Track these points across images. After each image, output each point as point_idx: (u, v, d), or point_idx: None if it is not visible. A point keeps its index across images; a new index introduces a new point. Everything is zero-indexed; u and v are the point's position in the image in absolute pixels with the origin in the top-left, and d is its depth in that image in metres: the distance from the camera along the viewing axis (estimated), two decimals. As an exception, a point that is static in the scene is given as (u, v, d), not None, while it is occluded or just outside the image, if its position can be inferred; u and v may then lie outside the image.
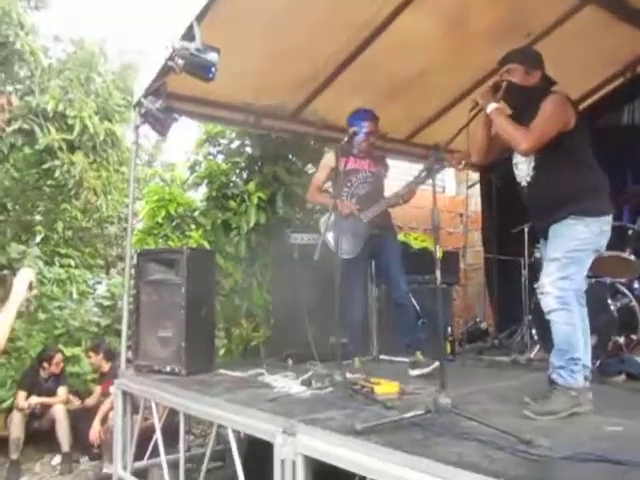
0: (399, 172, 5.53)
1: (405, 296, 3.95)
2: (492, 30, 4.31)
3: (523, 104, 2.85)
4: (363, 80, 4.67)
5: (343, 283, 4.03)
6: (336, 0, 3.78)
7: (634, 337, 4.03)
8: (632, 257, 4.18)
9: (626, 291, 4.19)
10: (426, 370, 3.55)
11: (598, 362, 3.60)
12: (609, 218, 2.77)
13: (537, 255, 4.56)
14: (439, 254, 2.68)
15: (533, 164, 2.81)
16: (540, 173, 2.80)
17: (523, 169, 2.87)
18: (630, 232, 4.28)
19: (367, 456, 2.06)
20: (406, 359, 4.09)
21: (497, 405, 2.79)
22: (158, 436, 3.56)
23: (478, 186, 6.70)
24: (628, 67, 5.32)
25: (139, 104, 4.12)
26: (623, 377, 3.45)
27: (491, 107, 2.82)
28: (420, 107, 5.25)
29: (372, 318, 4.68)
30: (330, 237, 3.92)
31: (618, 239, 4.25)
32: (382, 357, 4.37)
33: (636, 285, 4.37)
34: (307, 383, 3.26)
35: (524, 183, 2.89)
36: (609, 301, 4.02)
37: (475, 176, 6.78)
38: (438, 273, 2.48)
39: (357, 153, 4.13)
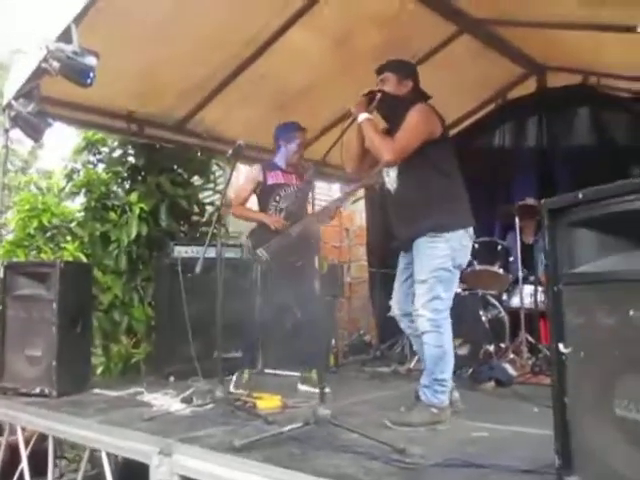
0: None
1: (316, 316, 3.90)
2: (377, 51, 4.47)
3: (393, 114, 2.88)
4: (252, 92, 4.67)
5: (252, 295, 4.02)
6: (225, 11, 3.74)
7: (503, 345, 4.32)
8: (501, 271, 4.48)
9: (496, 303, 4.48)
10: (315, 390, 3.55)
11: (470, 370, 3.81)
12: (469, 231, 2.84)
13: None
14: (320, 266, 2.72)
15: (397, 171, 2.86)
16: (403, 181, 2.84)
17: (392, 176, 2.91)
18: (499, 247, 4.58)
19: (245, 473, 2.03)
20: (291, 373, 4.11)
21: (376, 415, 2.84)
22: (24, 464, 3.30)
23: (363, 202, 6.90)
24: (499, 93, 5.73)
25: (9, 106, 3.85)
26: (492, 384, 3.65)
27: (362, 117, 2.84)
28: (308, 122, 5.31)
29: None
30: (262, 251, 3.88)
31: (489, 254, 4.56)
32: (267, 371, 4.33)
33: (505, 297, 4.69)
34: (188, 400, 3.17)
35: (392, 190, 2.93)
36: (481, 312, 4.27)
37: (361, 192, 6.98)
38: (317, 284, 2.51)
39: (285, 168, 4.12)
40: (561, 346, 1.61)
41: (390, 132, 2.87)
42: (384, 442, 2.14)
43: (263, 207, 4.09)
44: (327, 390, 3.55)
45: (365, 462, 1.99)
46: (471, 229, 2.87)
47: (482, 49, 4.82)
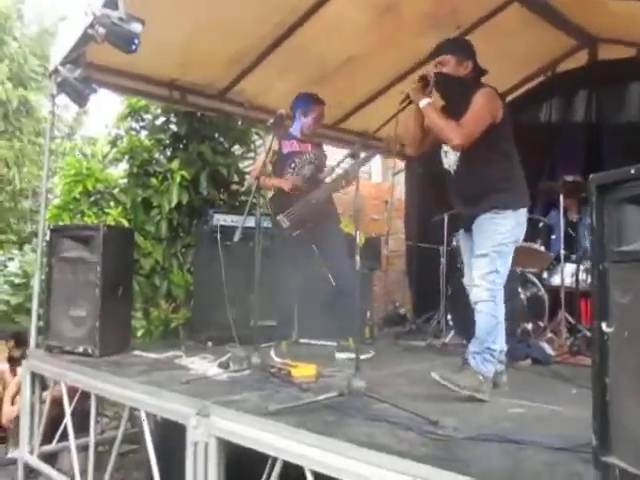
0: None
1: (350, 284, 3.93)
2: (422, 20, 4.39)
3: (455, 95, 2.89)
4: (292, 63, 4.65)
5: (284, 263, 4.08)
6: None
7: (541, 324, 4.26)
8: (542, 248, 4.40)
9: (536, 281, 4.41)
10: (353, 355, 3.58)
11: (507, 347, 3.77)
12: (525, 211, 2.89)
13: (454, 244, 4.71)
14: (359, 240, 2.70)
15: (459, 153, 2.87)
16: (466, 162, 2.87)
17: (451, 157, 2.93)
18: (541, 225, 4.49)
19: (279, 437, 2.07)
20: (326, 342, 4.15)
21: (409, 387, 2.87)
22: (68, 419, 3.44)
23: (403, 174, 6.83)
24: (549, 66, 5.56)
25: (56, 72, 3.91)
26: (529, 362, 3.62)
27: (423, 102, 2.85)
28: (349, 93, 5.28)
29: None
30: (283, 218, 3.96)
31: (530, 231, 4.42)
32: (302, 340, 4.38)
33: (545, 275, 4.60)
34: (224, 365, 3.23)
35: (451, 171, 2.96)
36: (519, 290, 4.21)
37: (401, 164, 6.91)
38: (357, 258, 2.50)
39: (301, 137, 4.12)
40: (604, 325, 1.58)
41: (449, 112, 2.86)
42: (418, 414, 2.14)
43: (279, 175, 4.10)
44: (369, 355, 3.62)
45: (398, 432, 2.00)
46: (526, 209, 2.91)
47: (532, 19, 4.66)
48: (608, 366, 1.57)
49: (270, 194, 4.21)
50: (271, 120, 3.26)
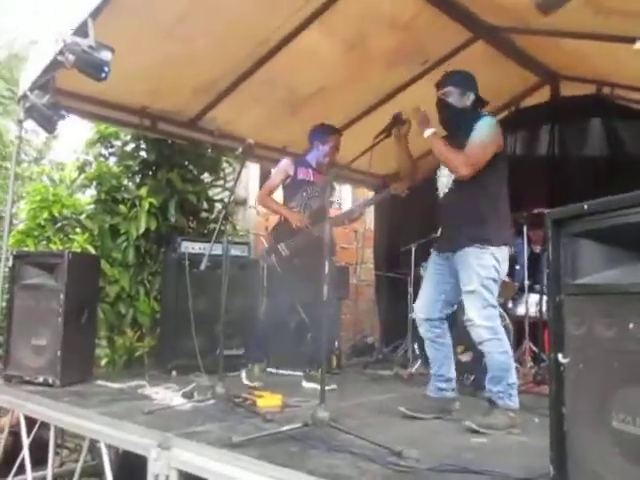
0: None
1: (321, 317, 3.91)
2: (389, 56, 4.50)
3: (457, 125, 2.94)
4: (263, 93, 4.70)
5: (268, 291, 4.08)
6: (239, 12, 3.76)
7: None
8: (507, 278, 4.46)
9: (501, 310, 4.45)
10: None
11: (472, 377, 3.81)
12: (507, 248, 2.89)
13: (422, 273, 4.75)
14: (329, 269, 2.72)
15: (453, 177, 2.90)
16: (457, 189, 2.90)
17: (444, 181, 2.97)
18: (506, 255, 4.56)
19: (241, 470, 2.04)
20: (293, 372, 4.13)
21: (374, 418, 2.87)
22: (25, 451, 3.34)
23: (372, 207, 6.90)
24: (512, 101, 5.71)
25: (24, 97, 3.89)
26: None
27: (428, 132, 2.91)
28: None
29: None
30: (283, 246, 4.00)
31: (495, 261, 4.54)
32: (269, 369, 4.35)
33: (510, 305, 4.67)
34: (188, 395, 3.19)
35: (441, 193, 2.99)
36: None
37: (370, 194, 6.99)
38: (325, 288, 2.52)
39: (316, 167, 4.17)
40: (560, 356, 1.61)
41: (450, 140, 2.91)
42: (381, 445, 2.14)
43: (288, 199, 4.16)
44: (334, 387, 3.62)
45: (361, 463, 2.00)
46: (508, 245, 2.92)
47: (496, 56, 4.80)
48: (564, 396, 1.60)
49: (240, 221, 4.24)
50: (240, 149, 3.28)
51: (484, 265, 2.76)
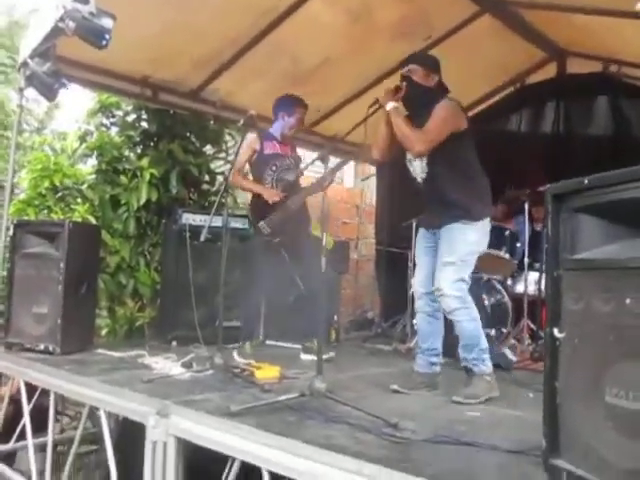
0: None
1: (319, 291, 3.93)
2: (394, 27, 4.44)
3: (419, 103, 2.97)
4: (267, 64, 4.65)
5: (256, 266, 4.09)
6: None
7: (504, 330, 4.33)
8: (507, 256, 4.47)
9: (500, 288, 4.48)
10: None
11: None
12: (489, 220, 3.00)
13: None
14: (327, 243, 2.72)
15: (426, 161, 2.96)
16: (433, 170, 2.96)
17: (417, 165, 3.01)
18: (507, 233, 4.56)
19: (238, 438, 2.07)
20: (292, 345, 4.16)
21: (371, 390, 2.90)
22: (26, 418, 3.38)
23: (374, 179, 6.88)
24: (518, 77, 5.65)
25: (25, 65, 3.84)
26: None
27: (390, 106, 2.93)
28: (323, 97, 5.29)
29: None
30: (264, 225, 3.98)
31: (496, 238, 4.53)
32: (268, 342, 4.38)
33: (509, 282, 4.68)
34: (187, 365, 3.22)
35: (419, 180, 3.04)
36: (484, 296, 4.27)
37: (372, 170, 6.97)
38: (323, 260, 2.52)
39: (281, 139, 4.14)
40: (556, 331, 1.62)
41: (412, 120, 2.94)
42: (377, 416, 2.16)
43: (258, 176, 4.13)
44: (332, 354, 3.65)
45: (358, 434, 2.03)
46: (489, 217, 3.02)
47: (503, 31, 4.75)
48: (558, 371, 1.61)
49: (241, 194, 4.23)
50: (242, 121, 3.26)
51: (467, 241, 2.87)
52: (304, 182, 4.32)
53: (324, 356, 3.39)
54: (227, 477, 2.17)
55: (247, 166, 4.19)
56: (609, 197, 1.52)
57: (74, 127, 5.26)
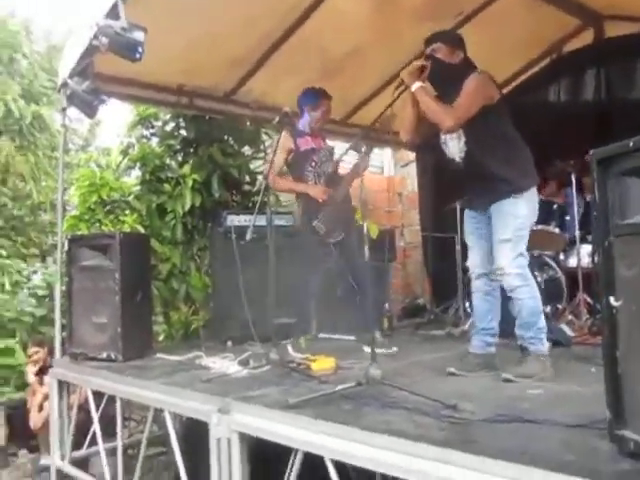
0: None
1: (367, 281, 3.88)
2: (422, 9, 4.37)
3: (447, 81, 2.93)
4: (297, 61, 4.66)
5: (304, 261, 4.12)
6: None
7: (559, 306, 4.24)
8: (557, 230, 4.37)
9: (552, 263, 4.39)
10: (382, 350, 3.57)
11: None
12: (535, 189, 2.95)
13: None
14: (369, 231, 2.73)
15: (464, 139, 2.91)
16: (472, 147, 2.91)
17: (454, 145, 2.97)
18: (555, 207, 4.46)
19: (298, 429, 2.10)
20: (344, 336, 4.17)
21: (428, 376, 2.89)
22: (96, 424, 3.51)
23: (414, 166, 6.83)
24: (553, 48, 5.49)
25: (65, 85, 3.98)
26: (549, 344, 3.60)
27: (416, 85, 2.89)
28: (355, 88, 5.28)
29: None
30: (319, 224, 3.97)
31: (544, 213, 4.43)
32: (321, 335, 4.40)
33: (562, 257, 4.57)
34: (244, 363, 3.27)
35: (458, 159, 2.98)
36: (536, 273, 4.18)
37: (411, 156, 6.91)
38: (366, 249, 2.53)
39: (311, 132, 4.15)
40: (612, 299, 1.59)
41: (442, 99, 2.90)
42: (435, 399, 2.16)
43: (298, 174, 4.12)
44: (395, 349, 3.64)
45: (416, 417, 2.02)
46: (536, 186, 2.97)
47: (533, 3, 4.62)
48: (618, 340, 1.58)
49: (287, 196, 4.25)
50: (277, 118, 3.28)
51: (518, 214, 2.82)
52: (341, 172, 4.31)
53: (388, 350, 3.42)
54: (291, 469, 2.20)
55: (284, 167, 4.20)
56: (657, 157, 1.47)
57: (117, 142, 5.44)
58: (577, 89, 5.41)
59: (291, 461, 2.23)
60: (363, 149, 2.85)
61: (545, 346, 2.80)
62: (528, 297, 2.80)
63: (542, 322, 2.83)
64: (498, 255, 2.83)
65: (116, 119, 6.47)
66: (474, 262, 3.05)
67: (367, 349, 3.69)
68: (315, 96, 4.13)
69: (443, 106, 2.84)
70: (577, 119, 5.21)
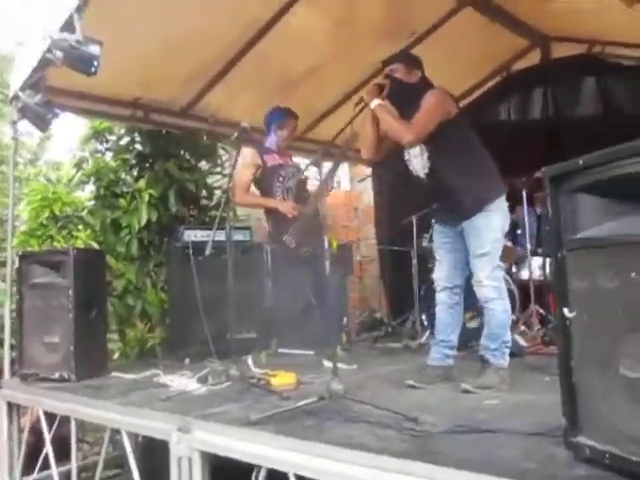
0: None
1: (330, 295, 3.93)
2: (378, 29, 4.48)
3: (405, 100, 3.00)
4: (255, 75, 4.68)
5: (263, 276, 4.12)
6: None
7: (513, 318, 4.33)
8: (509, 244, 4.49)
9: (505, 276, 4.49)
10: (344, 366, 3.57)
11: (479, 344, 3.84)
12: (504, 197, 2.98)
13: (425, 244, 4.79)
14: (330, 245, 2.76)
15: (427, 154, 2.96)
16: (435, 163, 2.96)
17: (417, 162, 3.02)
18: (507, 221, 4.58)
19: (260, 445, 2.09)
20: (305, 352, 4.17)
21: (387, 389, 2.91)
22: (48, 446, 3.40)
23: (370, 181, 6.91)
24: (503, 66, 5.70)
25: (16, 98, 3.88)
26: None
27: (375, 103, 2.96)
28: (312, 103, 5.33)
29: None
30: (289, 239, 3.99)
31: (497, 227, 4.57)
32: (281, 350, 4.39)
33: (514, 270, 4.70)
34: (204, 380, 3.23)
35: (422, 175, 3.03)
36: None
37: (367, 171, 7.00)
38: (327, 263, 2.55)
39: (278, 150, 4.20)
40: (566, 311, 1.65)
41: (402, 117, 2.97)
42: (396, 412, 2.18)
43: (266, 190, 4.14)
44: (354, 367, 3.65)
45: (378, 430, 2.04)
46: (504, 194, 3.01)
47: (484, 22, 4.78)
48: (572, 350, 1.64)
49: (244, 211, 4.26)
50: (235, 134, 3.28)
51: (492, 227, 2.87)
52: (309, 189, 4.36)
53: (348, 366, 3.43)
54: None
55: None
56: (605, 175, 1.54)
57: (68, 156, 5.32)
58: (526, 107, 5.61)
59: (253, 478, 2.22)
60: (330, 166, 2.89)
61: (506, 361, 2.86)
62: (501, 310, 2.86)
63: (508, 336, 2.88)
64: (476, 269, 2.87)
65: (67, 133, 6.35)
66: (440, 275, 3.09)
67: (327, 363, 3.71)
68: (282, 115, 4.20)
69: (402, 122, 2.92)
70: (527, 136, 5.40)
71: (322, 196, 4.12)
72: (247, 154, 4.04)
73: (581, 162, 1.59)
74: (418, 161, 3.01)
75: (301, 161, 5.20)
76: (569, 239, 1.66)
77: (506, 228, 3.01)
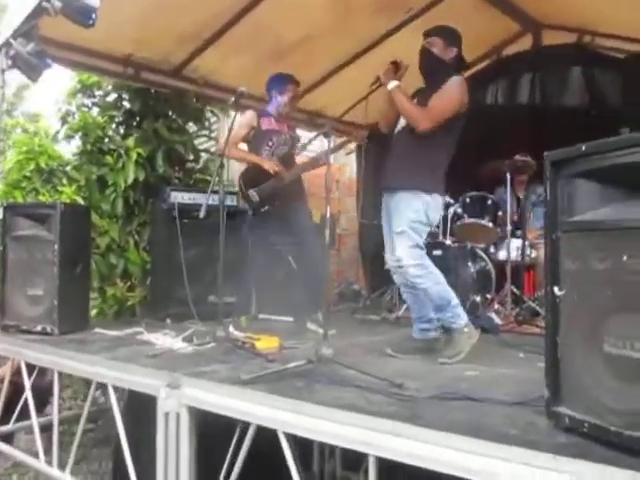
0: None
1: (317, 261, 3.99)
2: (375, 3, 4.49)
3: (434, 76, 3.04)
4: (248, 41, 4.65)
5: (247, 242, 4.17)
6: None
7: (489, 296, 4.49)
8: (490, 224, 4.60)
9: (484, 255, 4.63)
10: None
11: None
12: (439, 197, 3.04)
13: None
14: (318, 217, 2.81)
15: (405, 123, 3.04)
16: (402, 133, 3.06)
17: (401, 122, 3.11)
18: (489, 202, 4.69)
19: (253, 404, 2.16)
20: (284, 318, 4.25)
21: (369, 356, 3.01)
22: (29, 397, 3.42)
23: (353, 155, 6.93)
24: (494, 50, 5.75)
25: (7, 45, 3.78)
26: (478, 331, 3.82)
27: (392, 85, 3.01)
28: (304, 72, 5.29)
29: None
30: (253, 192, 4.09)
31: (479, 208, 4.68)
32: (261, 316, 4.46)
33: (492, 250, 4.83)
34: (189, 340, 3.29)
35: (399, 128, 3.11)
36: (469, 264, 4.42)
37: (351, 145, 7.01)
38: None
39: (277, 116, 4.22)
40: (556, 289, 1.74)
41: (425, 91, 3.03)
42: (383, 378, 2.28)
43: (254, 151, 4.20)
44: (333, 332, 3.74)
45: (367, 394, 2.13)
46: (442, 196, 3.10)
47: (479, 4, 4.82)
48: (559, 326, 1.73)
49: (239, 167, 4.29)
50: (232, 98, 3.29)
51: (414, 209, 2.91)
52: (300, 161, 4.40)
53: (330, 331, 3.51)
54: (240, 443, 2.24)
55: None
56: (604, 163, 1.62)
57: (49, 108, 5.21)
58: (513, 92, 5.69)
59: (237, 436, 2.29)
60: (333, 146, 2.94)
61: (464, 318, 2.93)
62: (433, 283, 2.90)
63: (454, 299, 2.94)
64: (395, 246, 2.92)
65: (45, 85, 6.19)
66: (388, 255, 3.11)
67: (312, 326, 3.80)
68: (282, 81, 4.22)
69: (418, 108, 2.95)
70: (513, 121, 5.49)
71: (309, 169, 4.19)
72: (247, 114, 4.17)
73: (583, 148, 1.66)
74: (401, 122, 3.10)
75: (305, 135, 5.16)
76: (564, 221, 1.74)
77: (433, 223, 3.07)
